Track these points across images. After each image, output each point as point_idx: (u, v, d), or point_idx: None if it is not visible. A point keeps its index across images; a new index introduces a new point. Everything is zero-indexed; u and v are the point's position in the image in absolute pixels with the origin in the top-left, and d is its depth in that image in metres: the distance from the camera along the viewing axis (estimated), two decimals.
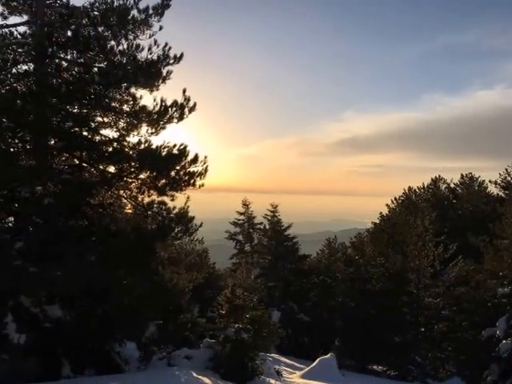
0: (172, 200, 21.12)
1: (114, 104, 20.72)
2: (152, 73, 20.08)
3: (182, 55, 20.53)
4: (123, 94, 20.54)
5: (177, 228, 21.11)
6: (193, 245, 48.84)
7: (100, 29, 19.90)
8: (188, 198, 21.17)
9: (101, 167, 21.23)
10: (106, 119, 21.09)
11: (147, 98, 20.56)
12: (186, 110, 20.77)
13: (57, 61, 20.59)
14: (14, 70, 20.12)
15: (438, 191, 60.10)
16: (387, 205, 58.14)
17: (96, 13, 19.72)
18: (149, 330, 22.80)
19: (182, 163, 20.66)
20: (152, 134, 20.80)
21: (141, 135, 20.77)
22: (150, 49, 19.94)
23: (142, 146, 20.62)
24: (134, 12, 19.63)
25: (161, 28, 20.17)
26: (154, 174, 20.64)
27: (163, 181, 20.74)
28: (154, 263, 21.89)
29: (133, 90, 20.49)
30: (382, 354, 40.00)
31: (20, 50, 20.03)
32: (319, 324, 48.64)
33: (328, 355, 32.42)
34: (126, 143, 21.00)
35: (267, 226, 58.09)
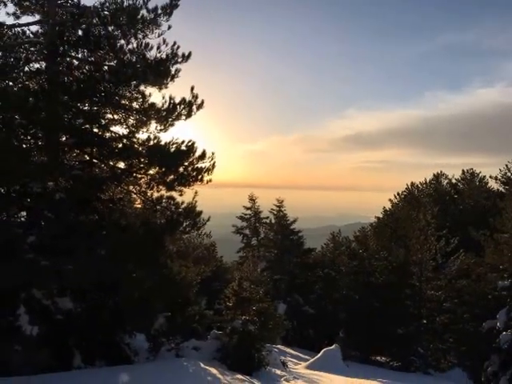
0: (180, 195, 21.16)
1: (123, 101, 20.73)
2: (161, 71, 20.08)
3: (190, 54, 20.55)
4: (133, 92, 20.53)
5: (185, 222, 21.14)
6: (201, 239, 48.75)
7: (110, 28, 19.89)
8: (196, 193, 21.23)
9: (111, 163, 21.29)
10: (116, 116, 21.13)
11: (156, 96, 20.61)
12: (194, 107, 20.79)
13: (68, 59, 20.61)
14: (26, 69, 20.12)
15: (439, 186, 60.13)
16: (390, 200, 58.18)
17: (106, 12, 19.73)
18: (158, 321, 22.88)
19: (190, 159, 20.67)
20: (161, 130, 20.84)
21: (150, 132, 20.83)
22: (158, 47, 19.95)
23: (151, 143, 20.65)
24: (143, 12, 19.64)
25: (169, 27, 20.17)
26: (163, 169, 20.67)
27: (172, 176, 20.75)
28: (163, 257, 21.93)
29: (142, 87, 20.49)
30: (386, 345, 40.06)
31: (32, 48, 20.04)
32: (324, 316, 48.66)
33: (332, 346, 32.52)
34: (135, 140, 21.05)
35: (273, 221, 58.08)
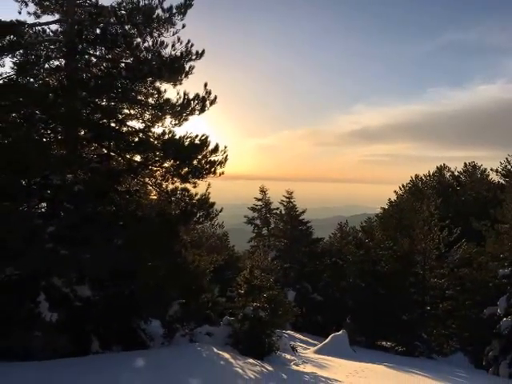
0: (194, 187, 21.15)
1: (139, 97, 20.73)
2: (175, 68, 20.03)
3: (203, 52, 20.51)
4: (148, 88, 20.55)
5: (199, 213, 21.14)
6: (213, 229, 49.00)
7: (127, 27, 19.89)
8: (209, 185, 21.23)
9: (127, 156, 21.30)
10: (132, 111, 21.15)
11: (171, 92, 20.63)
12: (208, 102, 20.78)
13: (86, 57, 20.59)
14: (46, 66, 20.20)
15: (442, 179, 60.10)
16: (395, 191, 58.25)
17: (123, 12, 19.69)
18: (172, 308, 22.87)
19: (204, 152, 20.66)
20: (175, 125, 20.84)
21: (165, 126, 20.86)
22: (173, 45, 19.95)
23: (166, 137, 20.68)
24: (159, 11, 19.63)
25: (184, 26, 20.14)
26: (178, 162, 20.67)
27: (186, 169, 20.76)
28: (178, 246, 21.94)
29: (157, 84, 20.52)
30: (391, 331, 39.97)
31: (52, 46, 20.01)
32: (332, 303, 48.69)
33: (340, 332, 32.46)
34: (151, 134, 21.10)
35: (283, 211, 58.12)
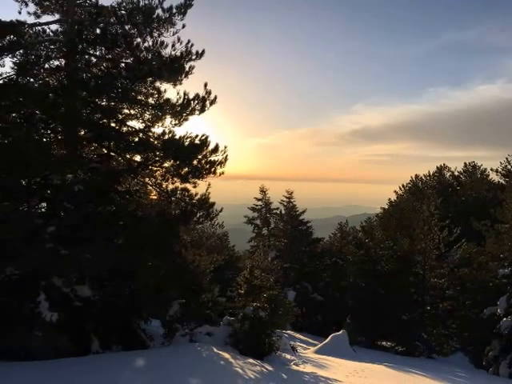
0: (194, 187, 21.20)
1: (139, 97, 20.75)
2: (175, 68, 20.04)
3: (203, 51, 20.53)
4: (148, 88, 20.56)
5: (199, 213, 21.18)
6: (214, 229, 48.97)
7: (127, 27, 19.88)
8: (209, 185, 21.29)
9: (127, 156, 21.35)
10: (132, 111, 21.17)
11: (171, 92, 20.66)
12: (208, 102, 20.81)
13: (86, 57, 20.57)
14: (46, 65, 20.18)
15: (442, 179, 60.24)
16: (395, 191, 58.30)
17: (123, 12, 19.69)
18: (172, 308, 22.86)
19: (204, 152, 20.70)
20: (175, 125, 20.87)
21: (165, 126, 20.88)
22: (173, 45, 19.97)
23: (166, 137, 20.70)
24: (159, 11, 19.64)
25: (184, 26, 20.16)
26: (178, 162, 20.70)
27: (186, 169, 20.79)
28: (178, 246, 21.97)
29: (157, 84, 20.53)
30: (391, 330, 39.95)
31: (52, 46, 19.98)
32: (332, 303, 48.76)
33: (340, 332, 32.46)
34: (151, 134, 21.12)
35: (283, 211, 58.10)
